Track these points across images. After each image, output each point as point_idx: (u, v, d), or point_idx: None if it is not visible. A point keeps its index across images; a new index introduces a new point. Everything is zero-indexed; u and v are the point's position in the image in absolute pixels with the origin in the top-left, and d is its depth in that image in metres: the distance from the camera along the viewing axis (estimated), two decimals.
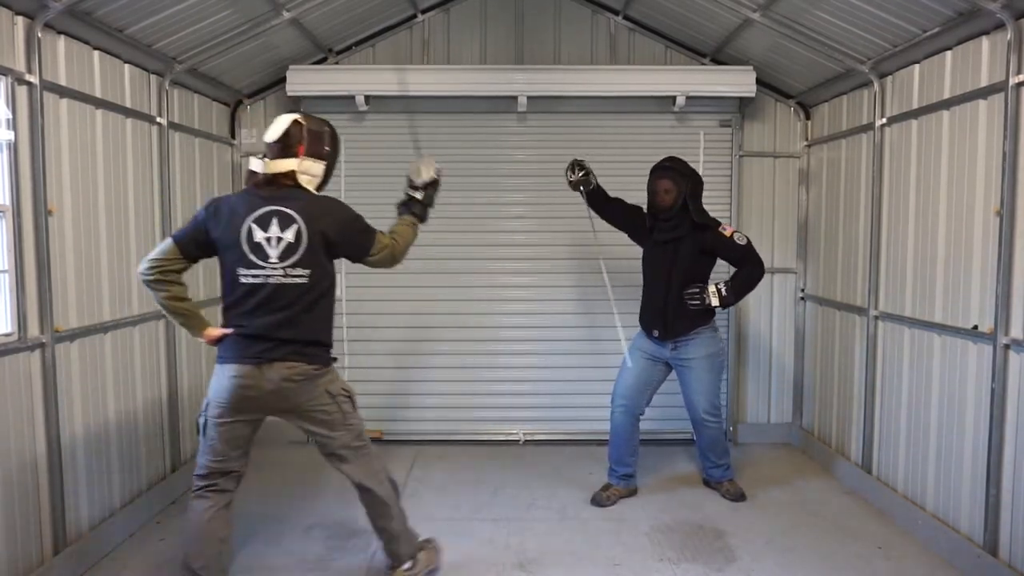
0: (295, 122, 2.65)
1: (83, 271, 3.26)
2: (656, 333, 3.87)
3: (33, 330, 2.94)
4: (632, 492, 4.03)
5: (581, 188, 3.96)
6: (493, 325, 5.03)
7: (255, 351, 2.58)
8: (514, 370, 5.04)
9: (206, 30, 3.80)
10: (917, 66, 3.62)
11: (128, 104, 3.61)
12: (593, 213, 4.06)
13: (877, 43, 3.73)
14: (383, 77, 4.72)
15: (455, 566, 3.24)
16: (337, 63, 4.91)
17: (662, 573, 3.19)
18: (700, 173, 3.93)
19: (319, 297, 2.65)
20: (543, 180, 4.93)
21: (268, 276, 2.57)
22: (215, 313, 2.90)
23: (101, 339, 3.40)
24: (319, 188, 2.74)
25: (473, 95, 4.75)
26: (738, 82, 4.67)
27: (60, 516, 3.04)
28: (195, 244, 2.63)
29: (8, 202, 2.83)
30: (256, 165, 2.65)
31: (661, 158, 3.89)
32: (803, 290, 5.02)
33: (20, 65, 2.87)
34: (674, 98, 4.73)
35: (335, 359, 2.78)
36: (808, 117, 4.96)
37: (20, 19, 2.87)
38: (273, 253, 2.57)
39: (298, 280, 2.59)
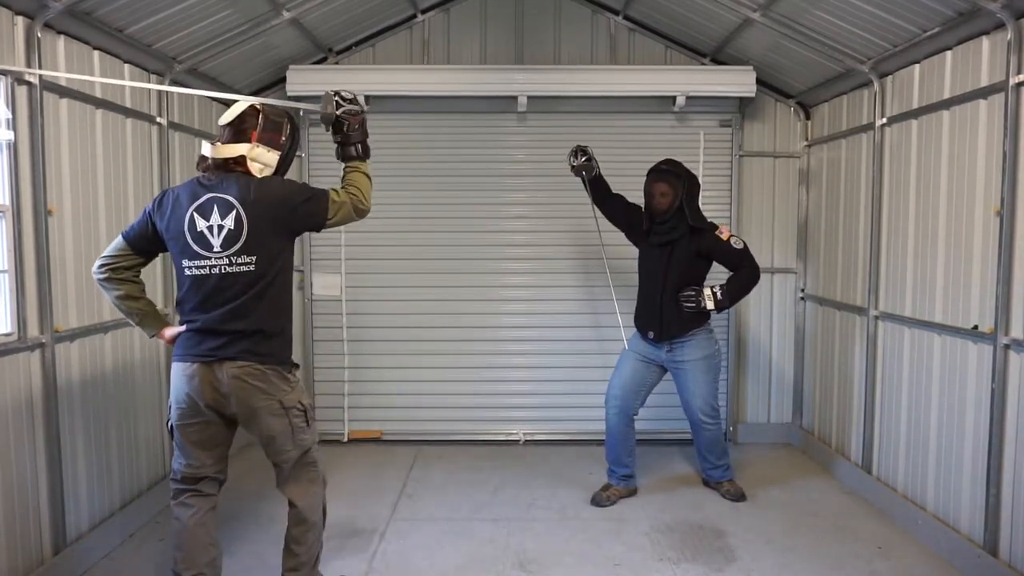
0: (252, 107, 2.56)
1: (83, 271, 3.26)
2: (651, 335, 3.87)
3: (33, 330, 2.94)
4: (632, 492, 4.03)
5: (583, 174, 3.96)
6: (493, 325, 5.03)
7: (206, 348, 2.48)
8: (514, 370, 5.04)
9: (206, 30, 3.80)
10: (917, 66, 3.62)
11: (128, 104, 3.61)
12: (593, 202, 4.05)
13: (877, 43, 3.73)
14: (383, 77, 4.73)
15: (455, 566, 3.24)
16: (337, 63, 4.91)
17: (662, 573, 3.19)
18: (700, 173, 3.94)
19: (269, 285, 2.51)
20: (543, 180, 4.94)
21: (213, 266, 2.46)
22: None
23: (101, 339, 3.40)
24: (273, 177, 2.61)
25: (473, 95, 4.75)
26: (738, 82, 4.66)
27: (60, 516, 3.04)
28: (144, 239, 2.55)
29: (8, 202, 2.83)
30: (206, 149, 2.54)
31: (659, 160, 3.90)
32: (803, 290, 5.02)
33: (20, 65, 2.87)
34: (674, 98, 4.73)
35: (296, 365, 2.67)
36: (808, 117, 4.96)
37: (20, 19, 2.87)
38: (216, 242, 2.45)
39: (244, 268, 2.47)
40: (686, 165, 3.88)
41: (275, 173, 2.62)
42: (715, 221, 3.91)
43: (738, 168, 4.97)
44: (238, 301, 2.48)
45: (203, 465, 2.62)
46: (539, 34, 5.00)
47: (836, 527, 3.65)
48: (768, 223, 5.03)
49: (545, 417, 5.05)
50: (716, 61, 4.91)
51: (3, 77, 2.78)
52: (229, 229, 2.46)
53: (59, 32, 3.09)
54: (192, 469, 2.61)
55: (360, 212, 2.65)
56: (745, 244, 3.80)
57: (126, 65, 3.59)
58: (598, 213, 4.11)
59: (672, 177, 3.76)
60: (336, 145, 2.75)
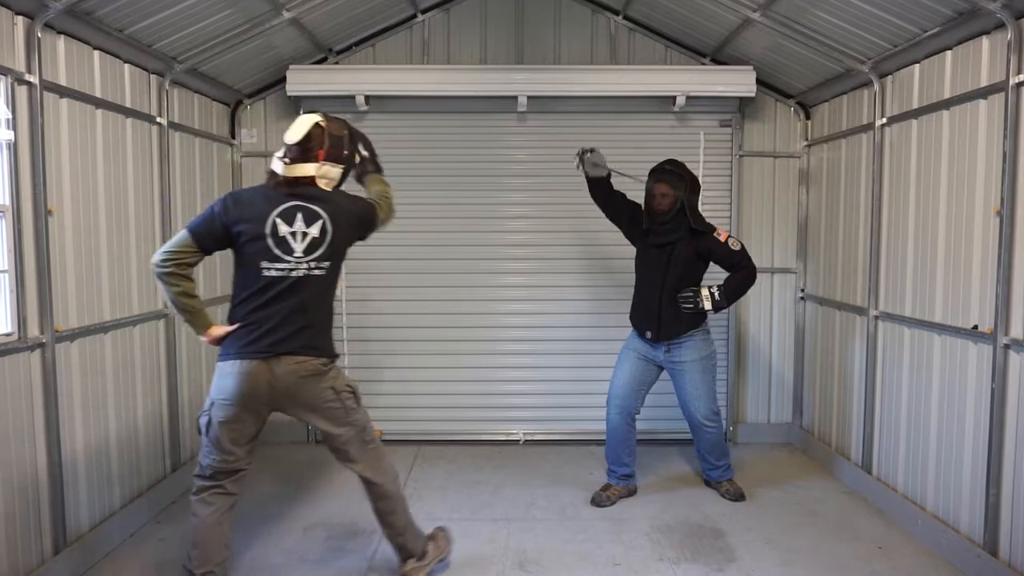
0: (316, 125, 2.65)
1: (83, 271, 3.26)
2: (649, 335, 3.87)
3: (33, 330, 2.94)
4: (632, 492, 4.03)
5: (592, 172, 3.91)
6: (493, 325, 5.03)
7: (265, 344, 2.57)
8: (514, 370, 5.04)
9: (206, 30, 3.80)
10: (917, 66, 3.62)
11: (128, 104, 3.61)
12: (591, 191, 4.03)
13: (877, 43, 3.73)
14: (383, 77, 4.73)
15: (455, 566, 3.24)
16: (337, 63, 4.91)
17: (662, 573, 3.19)
18: (700, 173, 3.94)
19: (327, 287, 2.71)
20: (543, 180, 4.94)
21: (292, 270, 2.60)
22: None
23: (101, 339, 3.40)
24: (334, 188, 2.78)
25: (473, 95, 4.75)
26: (738, 82, 4.66)
27: (60, 516, 3.04)
28: (211, 237, 2.60)
29: (8, 202, 2.83)
30: (277, 166, 2.66)
31: (660, 160, 3.89)
32: (803, 290, 5.02)
33: (20, 65, 2.87)
34: (674, 98, 4.72)
35: (338, 354, 2.81)
36: (808, 117, 4.95)
37: (20, 19, 2.87)
38: (298, 247, 2.60)
39: (319, 273, 2.64)
40: (687, 165, 3.88)
41: (338, 184, 2.79)
42: (712, 222, 3.91)
43: (738, 168, 4.97)
44: (302, 301, 2.62)
45: (236, 458, 2.69)
46: (539, 34, 5.00)
47: (836, 527, 3.65)
48: (768, 223, 5.03)
49: (545, 417, 5.05)
50: (716, 61, 4.91)
51: (3, 77, 2.78)
52: (314, 237, 2.62)
53: (59, 32, 3.09)
54: (226, 463, 2.67)
55: (391, 214, 2.95)
56: (743, 246, 3.80)
57: (126, 65, 3.59)
58: (592, 213, 4.09)
59: (674, 178, 3.75)
60: (356, 164, 2.97)
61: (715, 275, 3.91)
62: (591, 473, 4.38)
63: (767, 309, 5.07)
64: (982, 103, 3.14)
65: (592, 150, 3.89)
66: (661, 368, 3.97)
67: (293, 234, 2.59)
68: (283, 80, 4.70)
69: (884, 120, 3.91)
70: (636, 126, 4.94)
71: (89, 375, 3.30)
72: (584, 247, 4.93)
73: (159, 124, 3.89)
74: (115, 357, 3.51)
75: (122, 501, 3.54)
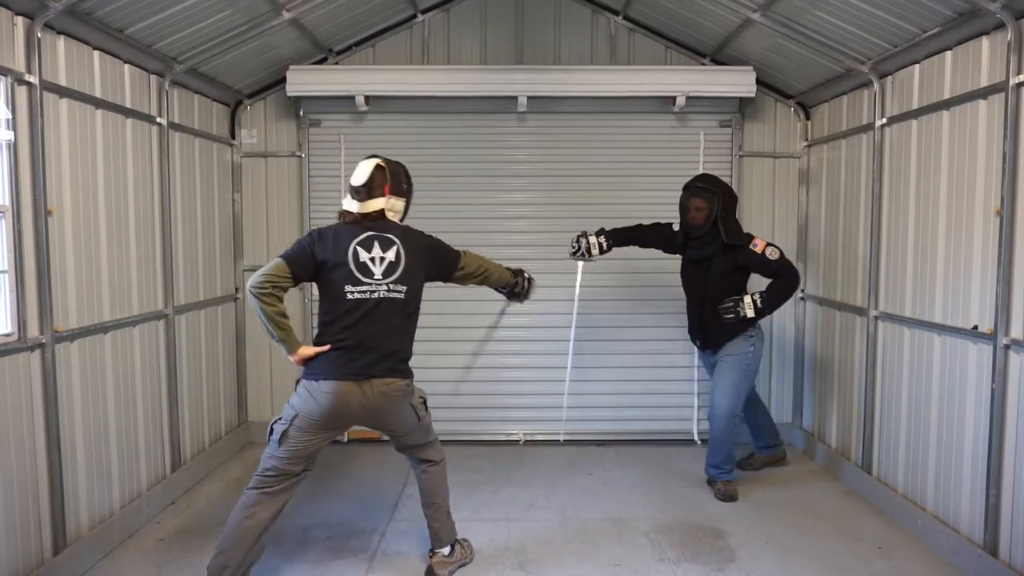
0: (378, 167, 2.92)
1: (83, 271, 3.26)
2: (698, 343, 4.10)
3: (33, 330, 2.94)
4: (780, 457, 4.49)
5: (584, 258, 4.14)
6: (493, 325, 5.02)
7: (357, 366, 2.78)
8: (514, 370, 5.04)
9: (206, 30, 3.80)
10: (917, 66, 3.62)
11: (128, 104, 3.61)
12: (579, 282, 4.25)
13: (877, 43, 3.73)
14: (383, 77, 4.73)
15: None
16: (337, 63, 4.91)
17: (662, 573, 3.19)
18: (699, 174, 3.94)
19: (412, 312, 2.95)
20: (543, 180, 4.94)
21: (373, 291, 2.82)
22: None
23: (101, 339, 3.40)
24: (402, 219, 3.05)
25: (473, 95, 4.75)
26: (738, 82, 4.67)
27: (60, 516, 3.04)
28: (302, 266, 2.82)
29: (8, 202, 2.83)
30: (351, 206, 2.91)
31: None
32: (803, 290, 5.02)
33: (20, 65, 2.87)
34: (674, 98, 4.73)
35: (413, 374, 3.02)
36: (808, 117, 4.95)
37: (20, 19, 2.87)
38: (377, 271, 2.84)
39: (397, 295, 2.86)
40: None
41: (403, 215, 3.08)
42: (749, 232, 3.95)
43: (738, 168, 4.97)
44: (389, 322, 2.86)
45: (302, 465, 2.86)
46: (539, 34, 5.00)
47: (836, 527, 3.65)
48: (768, 223, 5.03)
49: (545, 417, 5.04)
50: (716, 61, 4.91)
51: (3, 77, 2.78)
52: (390, 261, 2.87)
53: (59, 32, 3.09)
54: (293, 465, 2.83)
55: (484, 277, 3.24)
56: (782, 252, 3.86)
57: (126, 65, 3.59)
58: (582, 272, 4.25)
59: (707, 193, 3.85)
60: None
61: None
62: (591, 473, 4.38)
63: None
64: (982, 103, 3.14)
65: (584, 247, 4.09)
66: None
67: (372, 259, 2.84)
68: (283, 80, 4.70)
69: (884, 120, 3.91)
70: (636, 126, 4.94)
71: (89, 375, 3.30)
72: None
73: (159, 124, 3.89)
74: (115, 357, 3.51)
75: (122, 501, 3.54)
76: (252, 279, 2.76)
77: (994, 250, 3.02)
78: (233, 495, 3.76)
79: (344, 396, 2.77)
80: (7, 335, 2.82)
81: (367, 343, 2.80)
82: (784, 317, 5.08)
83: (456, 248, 3.13)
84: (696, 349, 4.33)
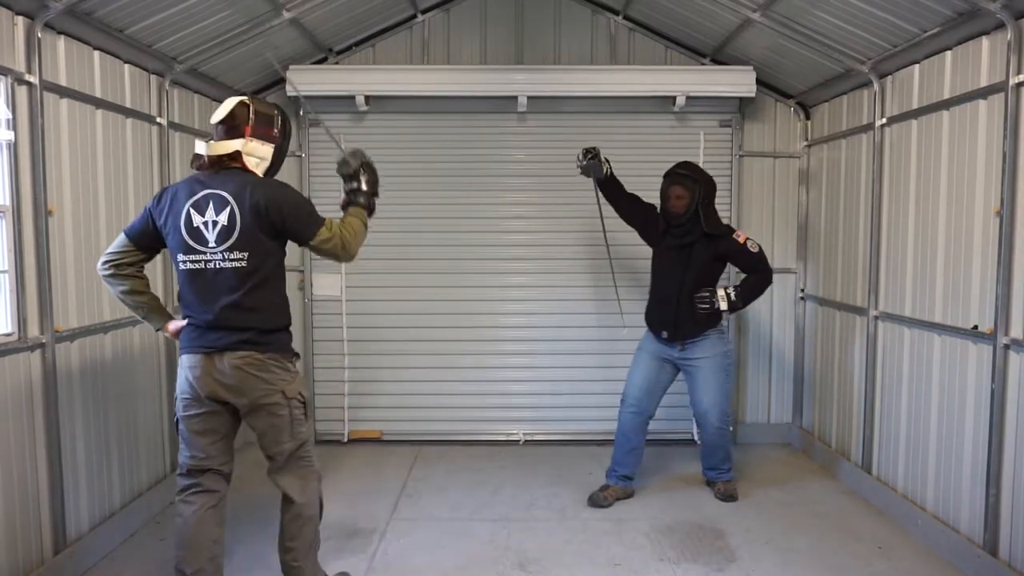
0: (241, 103, 2.58)
1: (83, 271, 3.26)
2: (665, 335, 3.89)
3: (33, 330, 2.94)
4: (629, 494, 4.03)
5: (592, 174, 3.93)
6: (493, 325, 5.03)
7: (207, 340, 2.53)
8: (514, 370, 5.04)
9: (206, 30, 3.79)
10: (917, 66, 3.62)
11: (128, 104, 3.61)
12: (602, 200, 4.05)
13: (877, 43, 3.73)
14: (383, 77, 4.73)
15: (455, 566, 3.24)
16: (337, 63, 4.91)
17: (662, 573, 3.19)
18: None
19: (263, 280, 2.55)
20: (543, 180, 4.94)
21: (208, 260, 2.51)
22: None
23: (101, 339, 3.40)
24: (268, 173, 2.66)
25: (473, 95, 4.75)
26: (738, 82, 4.67)
27: (60, 516, 3.04)
28: (145, 235, 2.60)
29: (8, 202, 2.83)
30: (200, 147, 2.57)
31: (659, 160, 3.90)
32: (803, 290, 5.02)
33: (20, 65, 2.87)
34: (674, 98, 4.73)
35: (297, 355, 2.72)
36: (808, 117, 4.95)
37: (20, 19, 2.87)
38: (210, 237, 2.50)
39: (236, 264, 2.51)
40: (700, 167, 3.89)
41: (271, 166, 2.67)
42: (730, 224, 3.92)
43: (738, 168, 4.97)
44: (234, 296, 2.52)
45: (208, 456, 2.64)
46: (539, 34, 5.00)
47: (836, 527, 3.65)
48: (768, 223, 5.03)
49: (545, 417, 5.05)
50: (716, 61, 4.91)
51: (3, 77, 2.78)
52: (223, 225, 2.50)
53: (59, 32, 3.09)
54: (197, 461, 2.63)
55: (347, 254, 2.66)
56: (760, 248, 3.83)
57: (126, 65, 3.59)
58: (606, 212, 4.10)
59: (688, 181, 3.79)
60: (346, 193, 2.83)
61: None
62: (591, 473, 4.38)
63: (767, 309, 5.07)
64: (982, 103, 3.14)
65: (592, 155, 3.86)
66: (677, 368, 3.98)
67: (206, 224, 2.50)
68: (283, 80, 4.70)
69: (884, 120, 3.91)
70: (636, 126, 4.94)
71: (89, 375, 3.30)
72: (584, 247, 4.92)
73: (159, 124, 3.89)
74: (115, 357, 3.51)
75: (122, 501, 3.54)
76: (99, 260, 2.59)
77: (994, 250, 3.02)
78: (233, 494, 3.75)
79: (199, 371, 2.52)
80: (7, 335, 2.82)
81: (214, 321, 2.51)
82: (784, 317, 5.08)
83: (326, 219, 2.63)
84: (652, 341, 3.98)
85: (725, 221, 4.86)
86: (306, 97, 4.72)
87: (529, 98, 4.74)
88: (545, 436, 5.05)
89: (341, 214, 2.78)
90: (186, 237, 2.51)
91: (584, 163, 3.88)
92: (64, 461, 3.08)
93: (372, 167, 2.85)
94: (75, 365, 3.20)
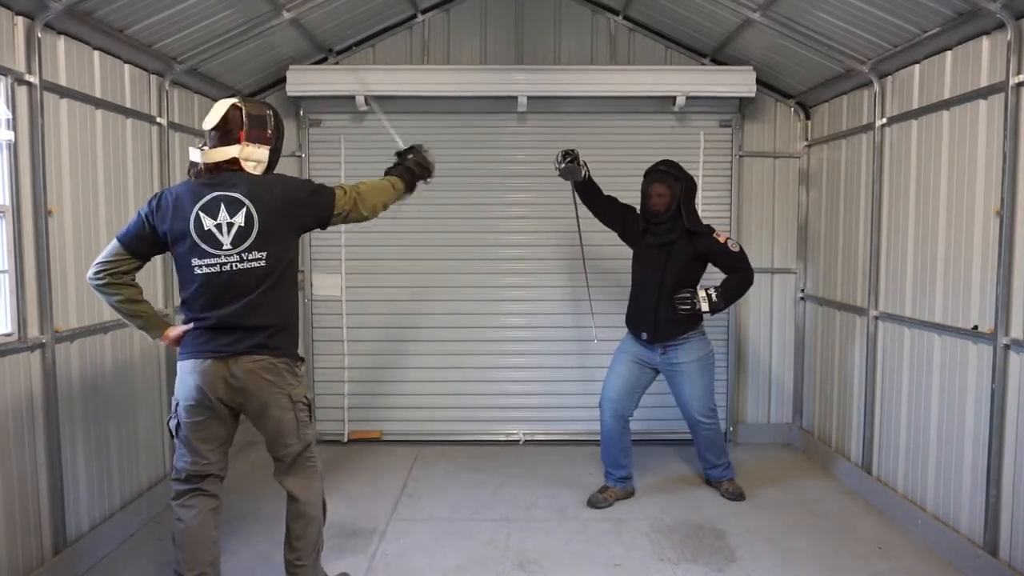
0: (233, 106, 2.53)
1: (83, 271, 3.23)
2: (645, 336, 3.86)
3: (33, 330, 2.94)
4: (629, 493, 4.03)
5: (570, 178, 3.86)
6: (493, 325, 5.03)
7: (219, 344, 2.50)
8: (514, 370, 5.04)
9: (206, 30, 3.79)
10: (917, 66, 3.62)
11: (128, 104, 3.61)
12: (579, 201, 4.01)
13: (877, 43, 3.73)
14: (383, 77, 4.73)
15: (455, 566, 3.24)
16: (337, 63, 4.91)
17: (662, 573, 3.19)
18: (700, 173, 3.94)
19: (279, 279, 2.56)
20: (543, 180, 4.91)
21: (224, 263, 2.48)
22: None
23: (101, 339, 3.40)
24: (266, 173, 2.63)
25: (473, 95, 4.75)
26: (738, 82, 4.66)
27: (60, 516, 3.04)
28: (142, 241, 2.54)
29: (8, 202, 2.83)
30: (195, 155, 2.54)
31: (657, 160, 3.88)
32: (803, 290, 5.02)
33: (20, 65, 2.87)
34: (674, 98, 4.73)
35: (302, 359, 2.72)
36: (808, 117, 4.95)
37: (20, 19, 2.87)
38: (225, 239, 2.48)
39: (255, 264, 2.50)
40: (686, 166, 3.87)
41: (268, 167, 2.63)
42: (712, 223, 3.90)
43: (738, 168, 4.97)
44: (251, 296, 2.51)
45: (209, 462, 2.63)
46: (539, 34, 5.00)
47: (836, 527, 3.65)
48: (768, 223, 5.03)
49: (545, 417, 5.05)
50: (716, 61, 4.91)
51: (3, 77, 2.78)
52: (240, 226, 2.48)
53: (59, 32, 3.09)
54: (198, 466, 2.62)
55: (372, 211, 2.76)
56: (741, 248, 3.80)
57: (126, 65, 3.59)
58: (582, 213, 4.07)
59: (670, 179, 3.74)
60: (396, 160, 3.03)
61: (710, 277, 3.91)
62: (591, 474, 4.38)
63: (767, 309, 5.07)
64: (982, 103, 3.14)
65: (571, 158, 3.79)
66: (656, 371, 3.96)
67: (219, 227, 2.47)
68: (283, 80, 4.70)
69: (884, 120, 3.91)
70: (636, 126, 4.94)
71: (89, 375, 3.30)
72: (584, 247, 4.92)
73: (159, 124, 3.89)
74: (115, 357, 3.51)
75: (122, 501, 3.54)
76: (89, 269, 2.51)
77: (994, 250, 3.02)
78: (233, 495, 3.77)
79: (209, 375, 2.49)
80: (7, 335, 2.82)
81: (227, 322, 2.49)
82: (784, 317, 5.08)
83: (331, 186, 2.69)
84: (632, 343, 3.95)
85: (725, 222, 4.89)
86: (306, 97, 4.73)
87: (529, 98, 4.75)
88: (545, 436, 5.05)
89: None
90: (198, 241, 2.48)
91: (563, 166, 3.81)
92: (64, 461, 3.08)
93: (427, 159, 3.04)
94: (75, 365, 3.20)
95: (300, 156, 4.92)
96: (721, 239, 3.77)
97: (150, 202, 2.56)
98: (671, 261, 3.77)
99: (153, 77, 3.84)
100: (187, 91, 4.22)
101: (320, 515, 2.80)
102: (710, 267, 3.89)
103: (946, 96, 3.37)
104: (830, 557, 3.33)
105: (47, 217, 2.97)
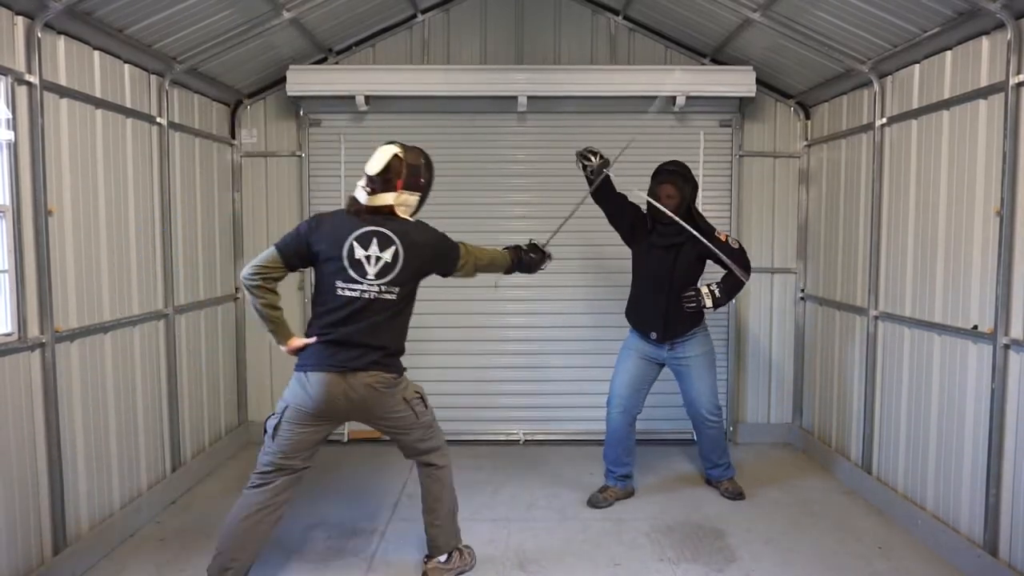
0: (395, 156, 2.79)
1: (83, 271, 3.26)
2: (654, 335, 3.87)
3: (33, 330, 2.94)
4: (629, 493, 4.03)
5: (596, 177, 3.76)
6: (493, 325, 5.03)
7: (341, 359, 2.74)
8: (514, 370, 5.03)
9: (206, 30, 3.80)
10: (917, 66, 3.62)
11: (128, 104, 3.61)
12: (589, 200, 3.99)
13: (877, 43, 3.73)
14: (383, 77, 4.73)
15: None
16: (337, 63, 4.91)
17: (662, 573, 3.19)
18: (700, 173, 3.96)
19: (402, 310, 2.87)
20: (543, 180, 4.93)
21: (364, 291, 2.75)
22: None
23: (101, 339, 3.40)
24: (412, 215, 2.92)
25: (473, 95, 4.75)
26: (738, 82, 4.66)
27: (60, 516, 3.04)
28: (296, 255, 2.78)
29: (8, 202, 2.83)
30: (361, 196, 2.81)
31: (660, 160, 3.88)
32: (803, 290, 5.02)
33: (20, 65, 2.87)
34: (674, 98, 4.72)
35: (405, 369, 2.96)
36: (808, 117, 4.95)
37: (20, 19, 2.87)
38: (371, 270, 2.76)
39: (389, 297, 2.79)
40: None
41: (415, 210, 2.94)
42: (713, 223, 3.91)
43: (738, 168, 4.97)
44: (375, 321, 2.78)
45: (299, 460, 2.83)
46: (539, 34, 5.00)
47: (836, 527, 3.65)
48: (768, 223, 5.03)
49: (545, 417, 5.05)
50: (716, 61, 4.91)
51: (3, 77, 2.78)
52: (386, 262, 2.78)
53: (59, 32, 3.09)
54: (288, 460, 2.80)
55: (474, 272, 3.11)
56: (740, 245, 3.82)
57: (126, 65, 3.59)
58: (588, 213, 4.05)
59: (679, 179, 3.76)
60: (527, 247, 3.38)
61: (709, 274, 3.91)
62: (591, 473, 4.38)
63: (767, 309, 5.07)
64: (982, 103, 3.14)
65: (602, 159, 3.71)
66: (661, 366, 3.97)
67: (368, 258, 2.75)
68: (283, 80, 4.70)
69: (884, 120, 3.91)
70: (636, 126, 4.92)
71: (89, 375, 3.30)
72: (584, 247, 4.92)
73: (159, 124, 3.89)
74: (115, 357, 3.51)
75: (122, 501, 3.54)
76: (244, 270, 2.76)
77: (994, 250, 3.02)
78: (233, 495, 3.75)
79: (330, 387, 2.73)
80: (7, 335, 2.82)
81: (353, 339, 2.75)
82: (784, 317, 5.08)
83: (458, 244, 3.03)
84: (638, 340, 3.95)
85: (724, 221, 4.89)
86: (306, 97, 4.73)
87: (529, 98, 4.74)
88: (545, 436, 5.05)
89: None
90: (347, 267, 2.74)
91: (594, 165, 3.70)
92: (64, 461, 3.08)
93: (543, 263, 3.44)
94: (75, 365, 3.20)
95: (300, 156, 4.92)
96: (723, 238, 3.77)
97: (310, 222, 2.83)
98: (680, 261, 3.80)
99: (153, 77, 3.84)
100: (187, 91, 4.22)
101: (451, 481, 3.11)
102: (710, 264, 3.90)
103: (946, 96, 3.37)
104: (830, 557, 3.33)
105: (47, 217, 2.97)
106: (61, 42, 3.11)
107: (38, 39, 2.91)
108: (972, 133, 3.20)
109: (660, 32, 4.97)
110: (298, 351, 2.82)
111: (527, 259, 3.33)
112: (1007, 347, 2.96)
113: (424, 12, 4.93)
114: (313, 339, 2.78)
